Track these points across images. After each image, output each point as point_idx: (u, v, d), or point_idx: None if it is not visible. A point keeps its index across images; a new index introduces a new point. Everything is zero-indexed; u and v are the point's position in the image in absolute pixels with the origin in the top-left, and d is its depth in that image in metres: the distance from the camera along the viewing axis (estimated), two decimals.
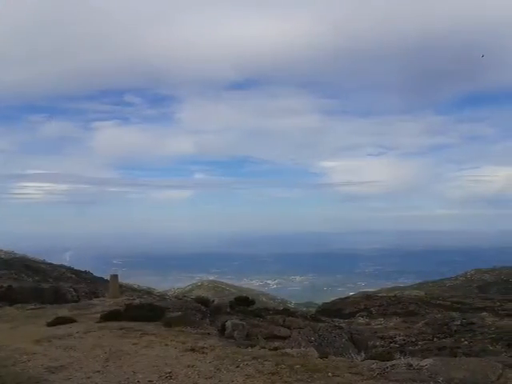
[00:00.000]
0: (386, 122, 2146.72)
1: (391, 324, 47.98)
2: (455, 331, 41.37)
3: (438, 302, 64.96)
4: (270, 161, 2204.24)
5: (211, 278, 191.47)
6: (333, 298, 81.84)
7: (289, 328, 28.06)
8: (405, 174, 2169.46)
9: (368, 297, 71.71)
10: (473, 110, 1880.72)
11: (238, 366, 12.69)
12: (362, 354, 22.15)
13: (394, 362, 12.54)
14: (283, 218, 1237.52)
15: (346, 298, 76.87)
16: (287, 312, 38.89)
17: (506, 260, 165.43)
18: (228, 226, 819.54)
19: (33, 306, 27.38)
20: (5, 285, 41.19)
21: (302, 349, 16.28)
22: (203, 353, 14.40)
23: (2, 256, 76.29)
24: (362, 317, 55.85)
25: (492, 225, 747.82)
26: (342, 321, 49.65)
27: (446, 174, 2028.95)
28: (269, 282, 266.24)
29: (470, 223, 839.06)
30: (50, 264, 77.22)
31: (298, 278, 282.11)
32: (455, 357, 26.96)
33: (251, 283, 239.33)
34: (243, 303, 33.84)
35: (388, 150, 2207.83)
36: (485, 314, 50.78)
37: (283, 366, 12.44)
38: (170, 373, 12.30)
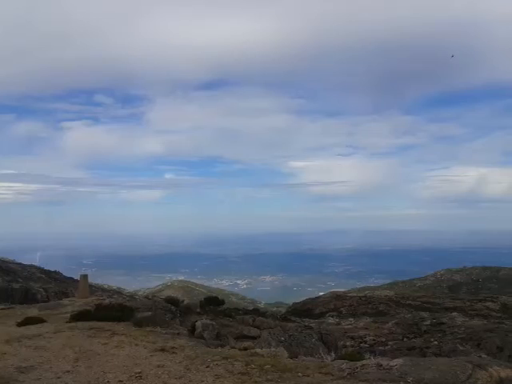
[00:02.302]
0: (356, 122, 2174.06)
1: (361, 324, 48.11)
2: (425, 331, 41.62)
3: (408, 301, 65.29)
4: (240, 161, 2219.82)
5: (181, 278, 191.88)
6: (303, 298, 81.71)
7: (259, 328, 28.11)
8: (374, 174, 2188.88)
9: (338, 297, 71.85)
10: (442, 110, 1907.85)
11: (207, 366, 12.71)
12: (332, 354, 22.28)
13: (364, 362, 12.62)
14: (253, 217, 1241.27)
15: (316, 298, 76.82)
16: (257, 312, 39.03)
17: (476, 260, 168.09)
18: (198, 226, 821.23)
19: (3, 306, 27.21)
20: None
21: (272, 349, 16.32)
22: (173, 353, 14.41)
23: None
24: (332, 317, 55.94)
25: (461, 225, 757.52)
26: (311, 321, 49.77)
27: (416, 174, 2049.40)
28: (238, 282, 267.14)
29: (439, 223, 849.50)
30: (20, 264, 76.30)
31: (267, 278, 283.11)
32: (425, 357, 27.27)
33: (221, 283, 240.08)
34: (213, 303, 33.88)
35: (357, 150, 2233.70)
36: (455, 314, 51.13)
37: (253, 366, 12.49)
38: (139, 373, 12.29)
